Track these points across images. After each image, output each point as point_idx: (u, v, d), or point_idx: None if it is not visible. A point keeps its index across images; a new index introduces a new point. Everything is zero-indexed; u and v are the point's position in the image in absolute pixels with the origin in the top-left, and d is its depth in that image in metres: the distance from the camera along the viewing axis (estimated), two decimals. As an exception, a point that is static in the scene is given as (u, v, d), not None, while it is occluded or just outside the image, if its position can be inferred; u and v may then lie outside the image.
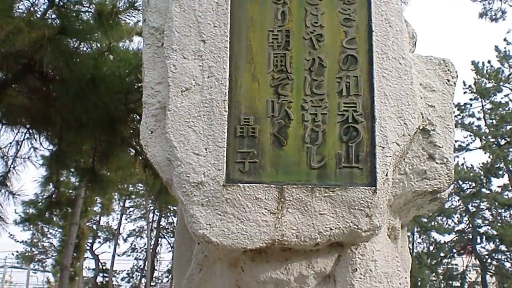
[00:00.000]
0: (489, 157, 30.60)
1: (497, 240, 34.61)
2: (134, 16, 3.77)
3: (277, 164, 1.95)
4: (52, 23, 3.38)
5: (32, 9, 3.56)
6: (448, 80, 2.17)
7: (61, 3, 3.63)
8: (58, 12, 3.58)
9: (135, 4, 3.66)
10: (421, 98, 2.09)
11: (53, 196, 5.56)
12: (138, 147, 4.31)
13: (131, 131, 4.27)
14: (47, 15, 3.60)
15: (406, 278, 2.16)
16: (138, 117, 4.09)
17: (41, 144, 4.84)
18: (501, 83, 30.44)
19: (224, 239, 1.89)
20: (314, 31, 2.05)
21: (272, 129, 1.97)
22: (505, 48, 29.03)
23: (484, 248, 41.60)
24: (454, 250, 43.05)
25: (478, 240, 40.98)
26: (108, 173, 5.22)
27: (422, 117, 2.07)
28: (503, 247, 37.67)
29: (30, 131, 4.85)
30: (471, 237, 41.18)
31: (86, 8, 3.69)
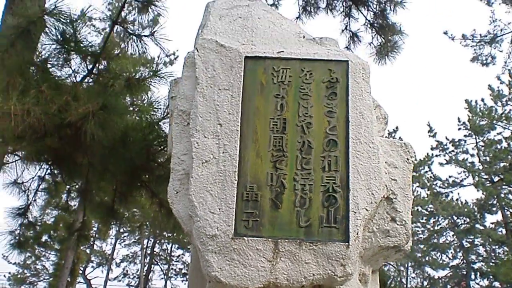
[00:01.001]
0: (482, 193, 31.21)
1: (491, 277, 34.79)
2: (156, 82, 4.45)
3: (273, 223, 2.55)
4: (91, 91, 4.03)
5: (73, 75, 4.25)
6: (408, 159, 2.80)
7: (97, 71, 4.32)
8: (96, 78, 4.27)
9: (158, 73, 4.35)
10: (386, 173, 2.71)
11: (79, 228, 6.21)
12: (154, 190, 4.97)
13: (150, 177, 4.92)
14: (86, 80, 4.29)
15: (372, 315, 2.74)
16: (156, 165, 4.77)
17: (63, 181, 5.48)
18: (495, 121, 31.21)
19: (231, 280, 2.48)
20: (304, 120, 2.69)
21: (270, 195, 2.58)
22: (498, 87, 29.86)
23: (478, 284, 41.57)
24: (449, 286, 43.07)
25: (473, 276, 41.04)
26: (126, 212, 5.87)
27: (387, 188, 2.69)
28: (497, 284, 37.75)
29: (51, 167, 5.47)
30: (465, 273, 41.29)
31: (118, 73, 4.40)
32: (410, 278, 42.85)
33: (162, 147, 4.65)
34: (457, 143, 33.39)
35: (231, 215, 2.53)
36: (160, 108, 4.60)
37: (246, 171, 2.61)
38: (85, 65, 4.28)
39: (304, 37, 2.97)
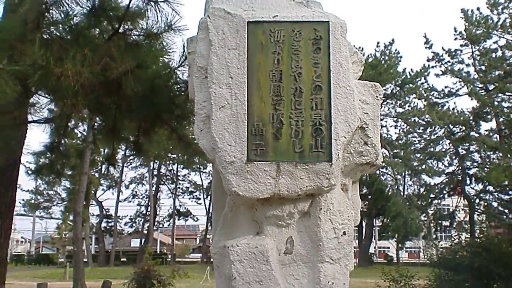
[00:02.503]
0: (477, 102, 32.09)
1: (485, 181, 36.53)
2: (171, 35, 5.18)
3: (276, 150, 3.41)
4: (121, 50, 4.78)
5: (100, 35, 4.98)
6: (377, 96, 3.62)
7: (122, 31, 5.05)
8: (123, 37, 5.02)
9: (171, 26, 5.06)
10: (360, 108, 3.55)
11: (110, 158, 7.20)
12: (173, 127, 5.84)
13: (170, 116, 5.78)
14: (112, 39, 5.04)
15: (352, 213, 3.67)
16: (175, 106, 5.61)
17: (91, 120, 6.37)
18: (490, 30, 31.39)
19: (246, 193, 3.38)
20: (296, 71, 3.47)
21: (272, 130, 3.42)
22: (494, -5, 29.74)
23: (473, 189, 43.56)
24: (444, 192, 45.03)
25: (468, 182, 42.88)
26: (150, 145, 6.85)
27: (360, 120, 3.53)
28: (490, 188, 39.66)
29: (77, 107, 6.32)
30: (460, 178, 43.06)
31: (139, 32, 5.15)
32: (407, 186, 44.99)
33: (179, 91, 5.47)
34: (453, 53, 33.82)
35: (243, 146, 3.39)
36: (173, 54, 5.35)
37: (253, 113, 3.43)
38: (111, 26, 5.01)
39: (294, 0, 3.70)
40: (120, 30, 5.04)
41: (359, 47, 44.79)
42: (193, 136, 5.37)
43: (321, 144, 3.41)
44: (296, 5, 3.65)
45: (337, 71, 3.47)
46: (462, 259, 11.67)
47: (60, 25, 4.70)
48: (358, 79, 3.82)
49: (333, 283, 3.47)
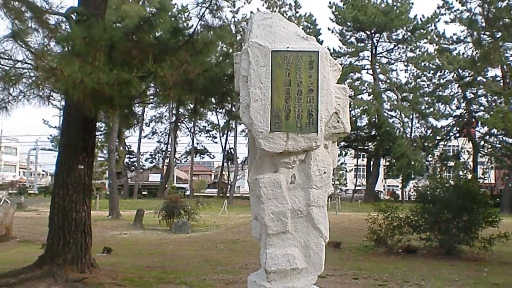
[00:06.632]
0: (480, 50, 33.78)
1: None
2: (218, 43, 7.86)
3: (286, 126, 6.04)
4: (193, 56, 7.52)
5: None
6: (345, 94, 6.29)
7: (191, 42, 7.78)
8: (191, 46, 7.76)
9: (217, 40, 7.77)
10: (335, 101, 6.22)
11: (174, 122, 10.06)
12: (220, 100, 8.64)
13: (218, 93, 8.59)
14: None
15: (331, 160, 6.43)
16: (221, 87, 8.40)
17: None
18: (500, -21, 32.50)
19: (269, 149, 6.08)
20: (299, 80, 6.08)
21: (284, 114, 6.06)
22: None
23: (478, 132, 45.72)
24: (451, 134, 47.18)
25: (474, 125, 45.00)
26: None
27: (335, 109, 6.22)
28: (495, 131, 41.79)
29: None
30: (467, 121, 45.13)
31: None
32: (414, 128, 47.55)
33: (224, 79, 8.24)
34: (463, 1, 35.26)
35: (268, 123, 6.05)
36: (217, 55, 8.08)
37: (274, 104, 6.08)
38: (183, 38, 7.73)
39: (299, 35, 6.29)
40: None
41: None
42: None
43: (312, 123, 6.10)
44: (300, 39, 6.26)
45: (322, 81, 6.12)
46: (437, 194, 14.52)
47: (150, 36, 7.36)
48: (337, 82, 6.49)
49: (317, 200, 6.30)
